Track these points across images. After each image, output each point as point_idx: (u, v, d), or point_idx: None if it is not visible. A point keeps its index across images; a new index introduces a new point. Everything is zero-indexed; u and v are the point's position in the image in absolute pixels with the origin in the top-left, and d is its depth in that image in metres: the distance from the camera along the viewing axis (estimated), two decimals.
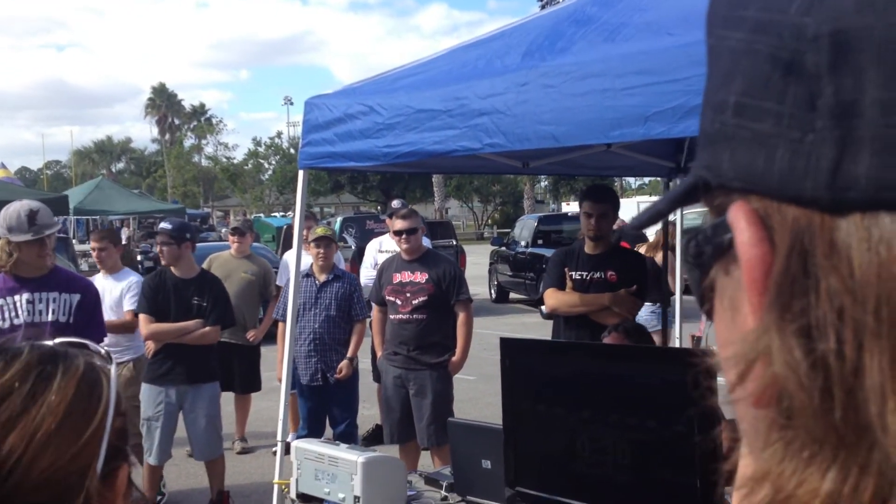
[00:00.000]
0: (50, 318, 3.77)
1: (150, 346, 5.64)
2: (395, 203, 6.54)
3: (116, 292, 5.78)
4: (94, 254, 6.16)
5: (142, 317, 5.57)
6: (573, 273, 4.71)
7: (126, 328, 5.80)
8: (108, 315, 5.81)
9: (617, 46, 2.99)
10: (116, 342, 5.95)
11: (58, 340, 1.06)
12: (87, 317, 3.85)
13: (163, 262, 5.68)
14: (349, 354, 6.04)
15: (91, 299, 3.90)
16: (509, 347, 3.00)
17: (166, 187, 65.19)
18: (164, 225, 5.76)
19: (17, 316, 3.75)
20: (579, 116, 2.93)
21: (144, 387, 5.61)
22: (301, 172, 4.11)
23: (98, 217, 29.81)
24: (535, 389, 2.88)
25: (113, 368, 1.04)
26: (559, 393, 2.79)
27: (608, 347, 3.11)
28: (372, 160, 3.66)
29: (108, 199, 27.45)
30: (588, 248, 4.76)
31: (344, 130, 3.73)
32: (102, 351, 1.09)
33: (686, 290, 6.76)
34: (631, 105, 2.78)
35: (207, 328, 5.54)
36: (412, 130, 3.44)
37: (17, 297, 3.76)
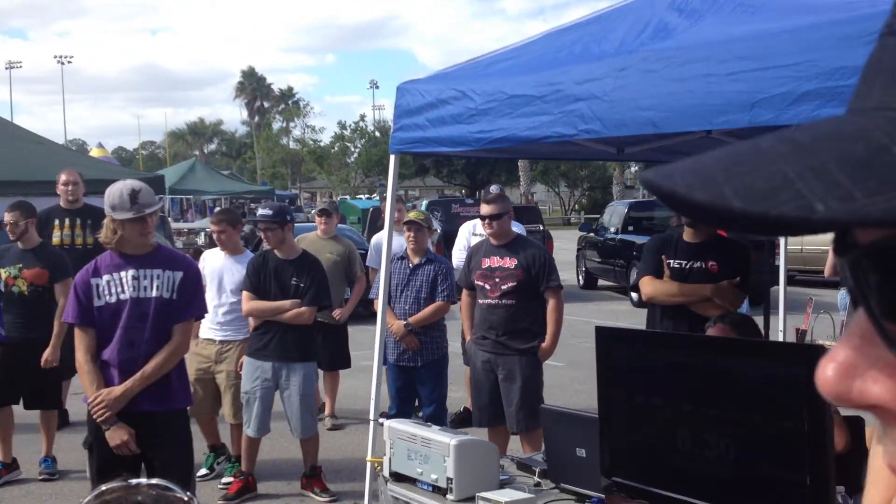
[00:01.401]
0: (154, 294, 3.89)
1: (252, 322, 5.83)
2: (493, 188, 6.51)
3: (238, 275, 5.96)
4: (214, 237, 6.38)
5: (244, 294, 5.78)
6: (671, 261, 4.61)
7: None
8: (230, 297, 6.02)
9: (719, 31, 2.91)
10: (227, 321, 6.15)
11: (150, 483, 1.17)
12: (190, 294, 3.96)
13: (267, 246, 5.81)
14: (410, 320, 6.01)
15: (193, 277, 4.02)
16: (605, 336, 2.96)
17: (255, 169, 66.54)
18: (264, 211, 5.92)
19: (122, 291, 3.88)
20: (681, 102, 2.86)
21: (245, 360, 5.80)
22: (392, 157, 4.13)
23: (191, 197, 30.67)
24: (632, 380, 2.82)
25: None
26: (658, 384, 2.73)
27: (712, 340, 3.03)
28: (463, 146, 3.64)
29: (201, 179, 28.20)
30: (687, 235, 4.65)
31: (436, 115, 3.73)
32: (185, 497, 1.22)
33: (790, 282, 6.53)
34: (736, 91, 2.69)
35: (302, 308, 5.65)
36: (505, 116, 3.41)
37: (123, 273, 3.89)
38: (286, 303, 5.66)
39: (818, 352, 2.35)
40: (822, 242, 17.85)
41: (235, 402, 5.96)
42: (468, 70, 3.86)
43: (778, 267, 8.07)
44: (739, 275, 4.48)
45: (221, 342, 6.17)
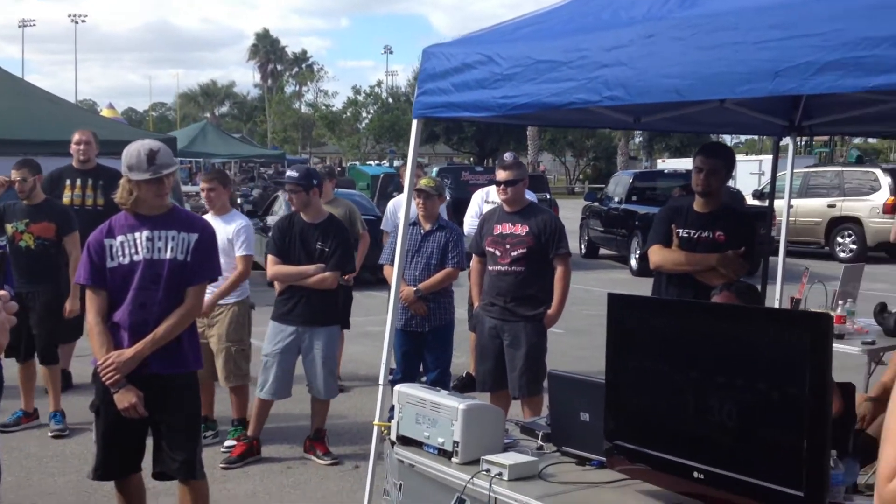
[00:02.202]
0: (168, 255, 3.85)
1: (277, 286, 5.86)
2: (507, 156, 6.54)
3: (224, 235, 5.89)
4: (203, 194, 6.35)
5: (269, 257, 5.82)
6: (680, 230, 4.63)
7: (240, 280, 5.97)
8: (220, 258, 6.03)
9: None
10: (219, 285, 6.16)
11: None
12: (204, 256, 3.93)
13: (293, 208, 5.85)
14: (420, 286, 6.01)
15: (208, 239, 3.97)
16: (616, 303, 3.00)
17: (266, 132, 66.37)
18: (290, 173, 5.93)
19: (136, 252, 3.84)
20: (706, 70, 2.85)
21: (270, 324, 5.85)
22: (415, 121, 4.12)
23: (201, 160, 30.63)
24: (641, 346, 2.87)
25: None
26: (665, 350, 2.78)
27: (719, 307, 3.07)
28: (487, 111, 3.64)
29: (212, 142, 28.17)
30: (697, 205, 4.67)
31: (461, 80, 3.71)
32: None
33: (788, 252, 6.59)
34: (761, 59, 2.68)
35: (327, 273, 5.68)
36: (530, 81, 3.40)
37: (137, 234, 3.85)
38: (311, 268, 5.69)
39: (822, 319, 2.40)
40: (815, 215, 17.91)
41: (227, 365, 5.97)
42: (495, 34, 3.83)
43: (773, 238, 8.10)
44: (745, 245, 4.51)
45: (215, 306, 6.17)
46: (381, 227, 7.88)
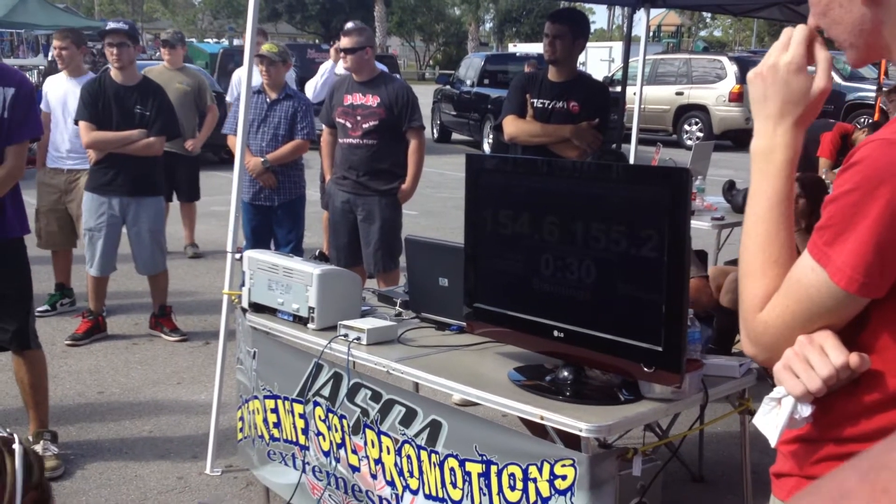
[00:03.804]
0: None
1: (92, 155, 5.44)
2: (350, 23, 6.21)
3: (78, 96, 5.50)
4: (55, 52, 6.01)
5: (82, 124, 5.34)
6: (535, 100, 4.57)
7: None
8: (70, 120, 5.63)
9: None
10: (74, 149, 5.81)
11: None
12: (23, 112, 3.57)
13: (115, 65, 5.34)
14: (268, 157, 5.73)
15: (26, 93, 3.58)
16: (475, 163, 2.90)
17: (93, 4, 61.73)
18: (116, 25, 5.44)
19: None
20: None
21: (86, 195, 5.45)
22: None
23: (22, 31, 28.23)
24: (500, 206, 2.80)
25: (17, 447, 1.12)
26: (524, 210, 2.72)
27: (577, 164, 3.03)
28: None
29: (33, 12, 25.87)
30: (551, 74, 4.60)
31: None
32: (6, 432, 1.17)
33: (641, 141, 6.76)
34: None
35: (152, 138, 5.34)
36: None
37: None
38: (134, 133, 5.31)
39: (681, 174, 2.38)
40: (663, 102, 18.48)
41: None
42: None
43: (623, 124, 8.30)
44: (599, 115, 4.50)
45: (69, 171, 5.88)
46: (227, 99, 7.54)
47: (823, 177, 6.62)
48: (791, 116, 1.33)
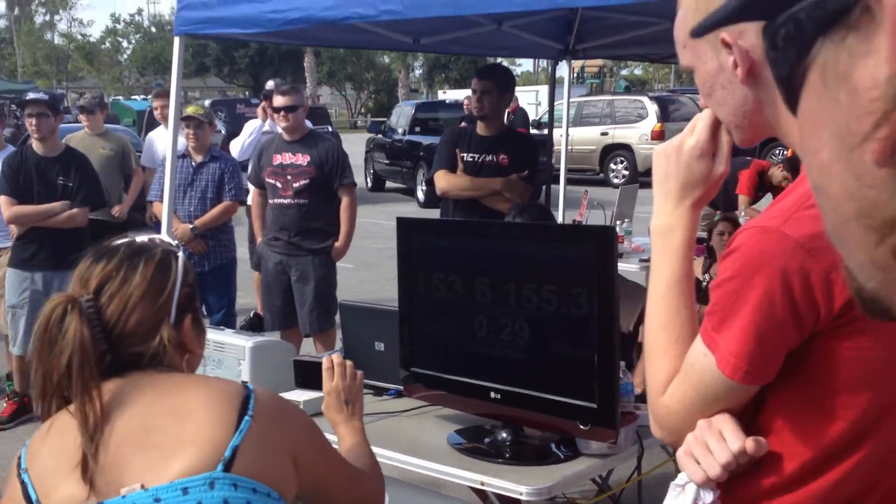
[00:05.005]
0: None
1: (14, 230, 5.29)
2: (270, 83, 6.22)
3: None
4: None
5: (2, 199, 5.19)
6: (465, 154, 4.61)
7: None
8: None
9: None
10: (2, 223, 5.61)
11: (146, 238, 1.61)
12: None
13: (35, 136, 5.23)
14: (196, 222, 5.63)
15: None
16: (406, 227, 2.91)
17: (16, 66, 60.75)
18: (36, 95, 5.33)
19: None
20: None
21: (9, 272, 5.29)
22: (177, 40, 3.78)
23: None
24: (432, 269, 2.80)
25: (181, 254, 1.59)
26: (456, 272, 2.73)
27: (507, 225, 3.06)
28: (256, 27, 3.38)
29: None
30: (480, 129, 4.66)
31: None
32: (174, 243, 1.64)
33: (569, 181, 6.87)
34: None
35: (75, 209, 5.21)
36: None
37: None
38: (56, 205, 5.18)
39: (607, 232, 2.42)
40: (589, 143, 18.86)
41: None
42: None
43: (553, 165, 8.44)
44: (528, 168, 4.56)
45: None
46: (142, 163, 7.38)
47: (742, 213, 6.80)
48: (690, 198, 1.36)
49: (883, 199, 0.40)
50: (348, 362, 2.08)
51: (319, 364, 2.10)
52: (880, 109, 0.40)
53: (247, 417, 1.41)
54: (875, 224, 0.41)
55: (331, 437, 1.88)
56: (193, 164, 5.77)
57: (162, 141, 7.54)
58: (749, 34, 1.19)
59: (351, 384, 2.05)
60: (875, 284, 0.43)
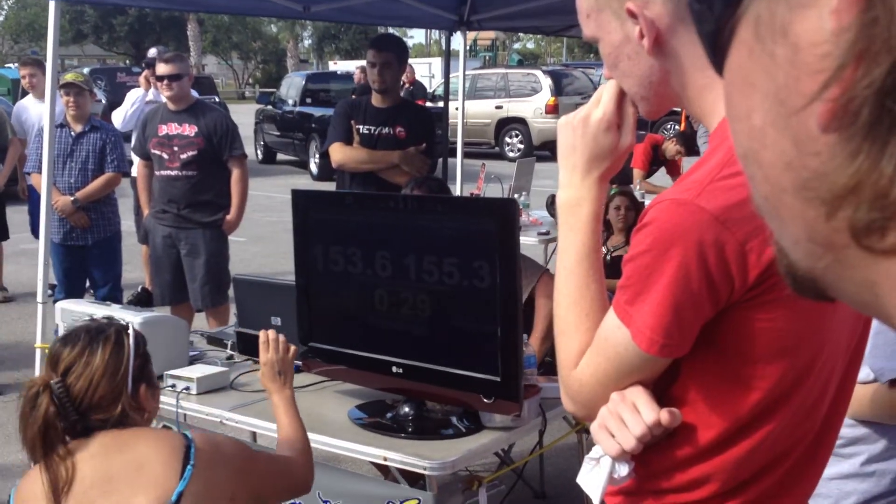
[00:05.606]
0: None
1: None
2: (153, 51, 5.95)
3: None
4: None
5: None
6: (360, 127, 4.52)
7: None
8: None
9: None
10: None
11: (96, 318, 1.96)
12: None
13: None
14: (77, 195, 5.40)
15: None
16: (302, 199, 2.83)
17: None
18: None
19: None
20: None
21: None
22: (52, 5, 3.57)
23: None
24: (330, 242, 2.74)
25: (131, 330, 1.87)
26: (355, 246, 2.67)
27: (407, 198, 3.01)
28: None
29: None
30: (375, 100, 4.57)
31: None
32: (124, 322, 1.93)
33: (466, 154, 6.86)
34: None
35: None
36: None
37: None
38: None
39: (509, 205, 2.41)
40: (484, 116, 18.93)
41: None
42: None
43: (448, 138, 8.43)
44: (425, 141, 4.51)
45: None
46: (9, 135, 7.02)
47: (637, 187, 6.95)
48: (597, 171, 1.34)
49: (830, 168, 0.36)
50: (282, 337, 2.32)
51: (257, 337, 2.37)
52: (830, 67, 0.35)
53: (189, 466, 1.73)
54: (820, 196, 0.37)
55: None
56: (73, 133, 5.49)
57: (31, 110, 7.17)
58: (655, 3, 1.18)
59: (284, 357, 2.29)
60: (822, 265, 0.39)
